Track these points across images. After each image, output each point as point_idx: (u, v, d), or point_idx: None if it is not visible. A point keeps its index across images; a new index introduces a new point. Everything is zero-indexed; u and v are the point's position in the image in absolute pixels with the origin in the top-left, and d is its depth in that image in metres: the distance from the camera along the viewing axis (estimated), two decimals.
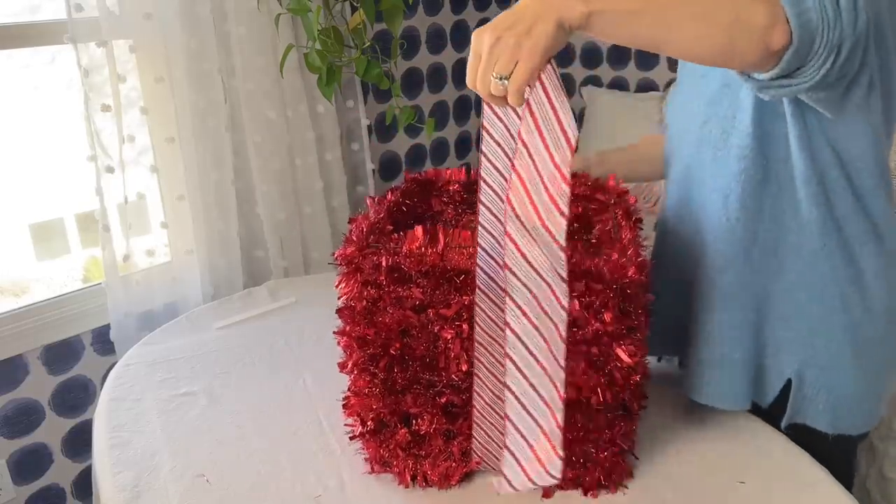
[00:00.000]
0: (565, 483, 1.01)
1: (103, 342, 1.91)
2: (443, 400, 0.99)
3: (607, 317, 0.91)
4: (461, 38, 2.64)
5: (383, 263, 0.93)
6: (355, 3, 2.02)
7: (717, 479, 1.02)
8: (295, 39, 2.02)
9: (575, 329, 0.92)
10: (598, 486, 1.01)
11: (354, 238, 0.97)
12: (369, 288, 0.95)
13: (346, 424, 1.09)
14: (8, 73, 2.32)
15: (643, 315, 0.95)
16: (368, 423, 1.03)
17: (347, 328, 1.00)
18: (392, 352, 0.97)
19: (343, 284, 0.97)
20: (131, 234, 1.83)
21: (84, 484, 1.96)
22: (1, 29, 1.68)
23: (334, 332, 1.03)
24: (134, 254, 1.85)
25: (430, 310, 0.95)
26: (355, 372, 1.02)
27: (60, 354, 1.87)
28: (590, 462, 1.00)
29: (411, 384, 0.99)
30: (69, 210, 3.00)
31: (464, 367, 0.96)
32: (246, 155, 2.00)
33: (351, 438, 1.09)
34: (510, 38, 0.73)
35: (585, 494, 1.01)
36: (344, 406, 1.07)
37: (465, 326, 0.94)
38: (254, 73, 1.94)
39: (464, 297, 0.94)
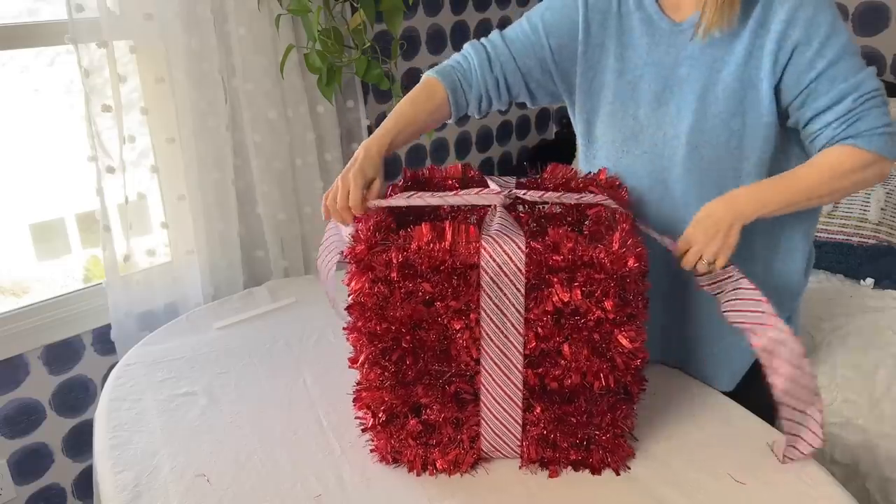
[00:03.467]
0: (571, 465, 1.06)
1: (104, 342, 1.91)
2: (452, 388, 1.02)
3: (608, 305, 0.94)
4: (461, 38, 2.64)
5: (394, 260, 0.95)
6: (355, 4, 2.03)
7: (717, 480, 1.02)
8: (295, 40, 2.02)
9: (577, 317, 0.96)
10: (602, 466, 1.05)
11: (363, 236, 0.99)
12: (380, 284, 0.97)
13: (356, 417, 1.10)
14: (7, 76, 2.32)
15: (642, 302, 0.99)
16: (380, 416, 1.06)
17: (359, 324, 1.01)
18: (404, 344, 1.00)
19: (353, 282, 0.99)
20: (132, 235, 1.83)
21: (84, 484, 1.97)
22: (2, 29, 1.68)
23: (344, 328, 1.05)
24: (134, 254, 1.85)
25: (438, 302, 0.97)
26: (366, 366, 1.03)
27: (61, 354, 1.87)
28: (593, 444, 1.04)
29: (422, 375, 1.02)
30: (70, 210, 3.00)
31: (473, 354, 0.99)
32: (246, 155, 2.00)
33: (363, 430, 1.10)
34: (716, 243, 1.05)
35: (593, 474, 1.05)
36: (354, 400, 1.09)
37: (472, 316, 0.97)
38: (254, 74, 1.95)
39: (471, 289, 0.96)
